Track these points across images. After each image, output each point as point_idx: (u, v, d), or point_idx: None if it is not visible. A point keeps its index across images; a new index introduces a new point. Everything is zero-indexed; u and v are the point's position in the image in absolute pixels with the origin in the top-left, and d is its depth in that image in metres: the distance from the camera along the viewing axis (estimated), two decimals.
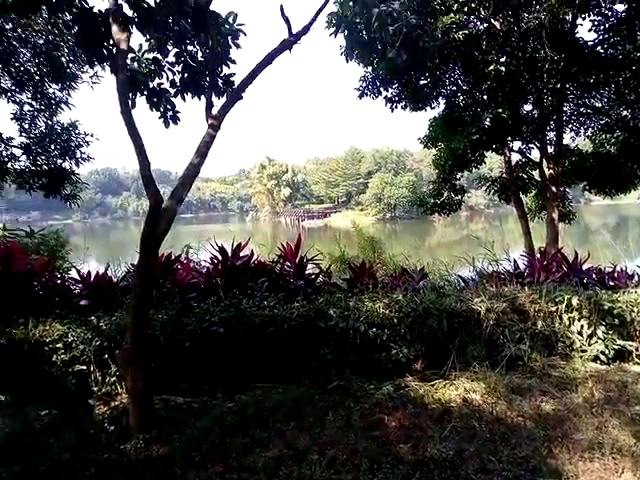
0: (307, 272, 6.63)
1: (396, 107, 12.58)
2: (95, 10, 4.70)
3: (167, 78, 5.56)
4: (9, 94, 7.86)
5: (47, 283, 6.13)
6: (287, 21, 4.66)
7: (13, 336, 4.90)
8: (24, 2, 4.06)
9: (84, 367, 4.94)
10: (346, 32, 5.80)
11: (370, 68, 11.74)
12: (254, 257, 6.56)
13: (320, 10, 4.76)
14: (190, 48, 5.45)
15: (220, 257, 6.32)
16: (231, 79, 5.50)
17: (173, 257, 6.43)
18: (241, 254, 6.47)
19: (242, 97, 4.72)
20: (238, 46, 5.30)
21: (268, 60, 4.67)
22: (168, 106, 5.64)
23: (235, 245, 6.40)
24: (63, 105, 8.03)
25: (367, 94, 12.19)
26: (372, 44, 6.33)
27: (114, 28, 4.01)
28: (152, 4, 4.82)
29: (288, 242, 6.75)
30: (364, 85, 12.05)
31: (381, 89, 12.17)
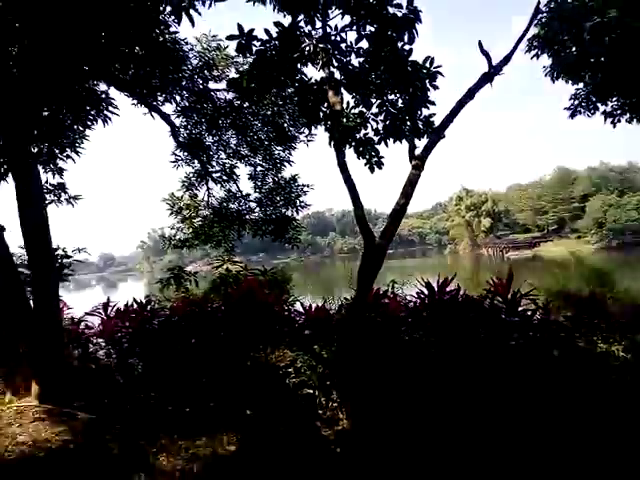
0: (520, 308, 6.18)
1: (619, 121, 10.90)
2: (312, 81, 5.55)
3: (371, 127, 6.09)
4: (246, 159, 9.68)
5: (278, 315, 7.13)
6: (487, 55, 4.67)
7: (257, 359, 5.82)
8: (262, 86, 5.04)
9: (310, 391, 5.54)
10: (550, 52, 5.48)
11: (582, 84, 10.55)
12: (460, 292, 6.45)
13: (522, 37, 4.66)
14: (391, 97, 5.87)
15: (427, 292, 6.41)
16: (431, 120, 5.70)
17: (381, 292, 6.79)
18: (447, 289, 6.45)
19: (444, 136, 4.85)
20: (436, 87, 5.49)
21: (469, 96, 4.73)
22: (373, 153, 6.12)
23: (441, 280, 6.41)
24: (286, 163, 9.50)
25: (580, 112, 10.93)
26: (582, 59, 5.79)
27: (330, 93, 4.64)
28: (356, 65, 5.43)
29: (498, 276, 6.43)
30: (576, 103, 10.85)
31: (598, 104, 10.78)
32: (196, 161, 9.11)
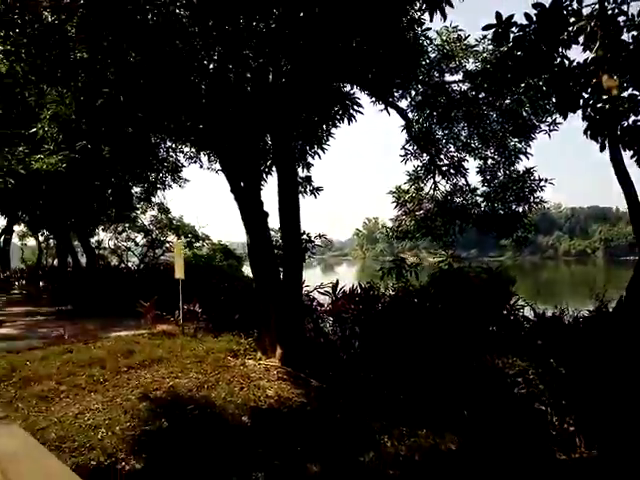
0: None
1: None
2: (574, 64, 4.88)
3: None
4: (476, 151, 9.25)
5: (504, 318, 6.69)
6: None
7: (481, 362, 5.60)
8: (516, 75, 4.69)
9: (542, 407, 5.05)
10: None
11: None
12: None
13: None
14: None
15: None
16: None
17: None
18: None
19: None
20: None
21: None
22: None
23: None
24: (521, 155, 8.71)
25: None
26: None
27: (604, 77, 4.04)
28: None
29: None
30: None
31: None
32: (425, 154, 9.14)
